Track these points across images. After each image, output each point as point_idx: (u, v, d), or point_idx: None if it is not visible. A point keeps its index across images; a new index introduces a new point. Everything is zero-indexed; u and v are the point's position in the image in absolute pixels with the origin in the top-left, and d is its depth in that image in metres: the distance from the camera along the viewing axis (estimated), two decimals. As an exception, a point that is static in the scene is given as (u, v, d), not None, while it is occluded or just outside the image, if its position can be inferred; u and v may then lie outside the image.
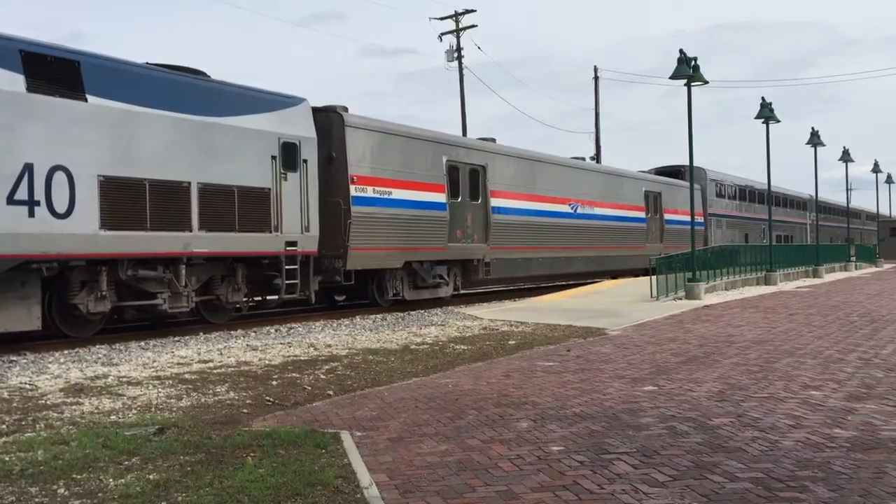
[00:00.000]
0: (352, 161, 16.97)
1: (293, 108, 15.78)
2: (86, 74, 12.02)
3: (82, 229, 11.77)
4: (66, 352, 11.47)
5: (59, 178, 11.50)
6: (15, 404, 7.69)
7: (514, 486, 4.90)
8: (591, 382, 8.48)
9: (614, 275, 29.08)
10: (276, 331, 14.40)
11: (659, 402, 7.33)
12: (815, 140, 35.15)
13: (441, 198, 19.57)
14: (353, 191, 16.92)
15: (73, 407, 7.53)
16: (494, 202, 21.54)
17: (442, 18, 39.60)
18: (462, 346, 11.85)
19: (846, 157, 42.87)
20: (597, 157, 42.20)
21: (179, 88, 13.60)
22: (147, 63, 13.63)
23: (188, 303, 13.77)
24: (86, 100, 11.96)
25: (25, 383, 8.90)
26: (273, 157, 14.95)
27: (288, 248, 15.24)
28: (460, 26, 39.14)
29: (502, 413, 6.97)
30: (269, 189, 14.86)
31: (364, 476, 5.12)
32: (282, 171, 15.12)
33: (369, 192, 17.38)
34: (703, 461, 5.36)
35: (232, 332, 14.16)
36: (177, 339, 13.14)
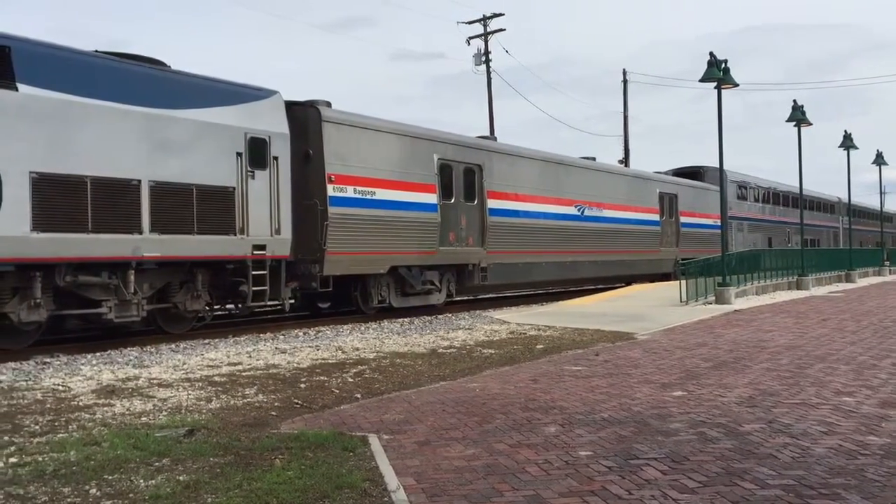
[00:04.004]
0: (329, 159, 15.89)
1: (263, 101, 14.64)
2: (17, 61, 11.02)
3: (10, 231, 10.79)
4: (98, 354, 11.61)
5: None
6: (48, 405, 7.80)
7: (542, 490, 4.88)
8: (619, 387, 8.43)
9: (627, 280, 28.33)
10: (304, 334, 14.46)
11: (688, 408, 7.27)
12: (847, 143, 34.71)
13: (432, 199, 18.42)
14: (331, 191, 15.84)
15: (105, 408, 7.62)
16: (492, 203, 20.33)
17: (470, 23, 39.62)
18: (489, 350, 11.83)
19: (879, 160, 42.25)
20: (625, 161, 41.98)
21: (129, 78, 12.55)
22: (96, 51, 12.73)
23: (138, 311, 12.69)
24: (16, 88, 10.96)
25: (58, 384, 9.02)
26: (238, 154, 13.89)
27: (255, 252, 14.14)
28: (488, 30, 39.16)
29: (530, 417, 6.95)
30: (234, 188, 13.79)
31: (391, 479, 5.12)
32: (248, 168, 14.04)
33: (349, 192, 16.29)
34: (734, 467, 5.30)
35: (261, 335, 14.25)
36: (206, 341, 13.25)
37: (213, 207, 13.46)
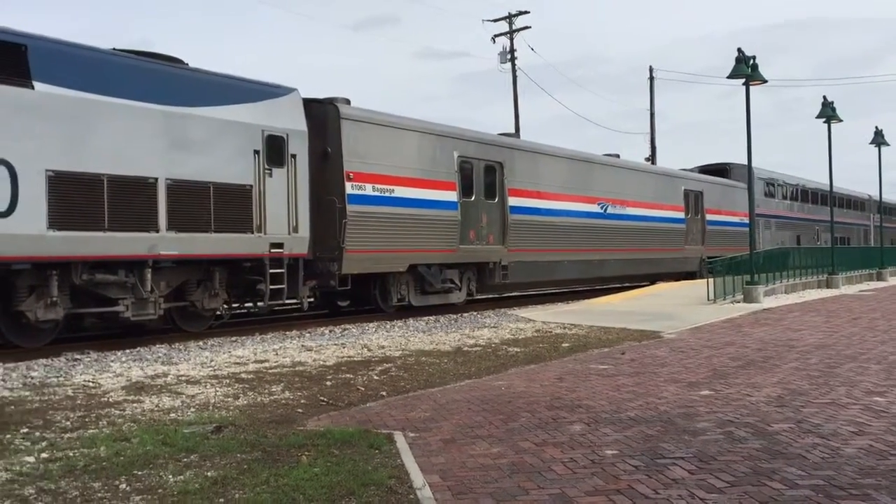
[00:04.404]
0: (348, 156, 15.75)
1: (280, 98, 14.54)
2: (33, 59, 10.99)
3: (26, 229, 10.74)
4: (127, 351, 11.75)
5: None
6: (79, 401, 7.91)
7: (568, 489, 4.87)
8: (645, 386, 8.38)
9: (652, 279, 27.98)
10: (329, 332, 14.53)
11: (716, 407, 7.21)
12: (878, 139, 34.21)
13: (452, 196, 18.22)
14: (350, 188, 15.68)
15: (134, 405, 7.71)
16: (513, 201, 20.06)
17: (495, 20, 39.55)
18: (515, 349, 11.82)
19: (912, 156, 41.60)
20: (652, 158, 41.72)
21: (146, 76, 12.50)
22: (113, 49, 12.71)
23: (155, 310, 12.62)
24: (32, 87, 10.94)
25: (89, 381, 9.14)
26: (256, 152, 13.80)
27: (273, 251, 14.05)
28: (513, 28, 39.08)
29: (555, 416, 6.94)
30: (251, 186, 13.71)
31: (417, 477, 5.14)
32: (266, 166, 13.94)
33: (368, 189, 16.12)
34: (762, 467, 5.25)
35: (287, 332, 14.34)
36: (234, 339, 13.36)
37: (230, 205, 13.38)
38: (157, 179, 12.32)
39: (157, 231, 12.29)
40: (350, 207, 15.67)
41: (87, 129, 11.50)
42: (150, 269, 12.41)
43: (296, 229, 14.51)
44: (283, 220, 14.30)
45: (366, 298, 17.48)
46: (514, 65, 38.94)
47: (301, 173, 14.68)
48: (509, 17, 39.07)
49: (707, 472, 5.16)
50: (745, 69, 20.44)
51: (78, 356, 11.15)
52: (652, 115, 42.95)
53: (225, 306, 14.33)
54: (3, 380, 9.23)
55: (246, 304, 14.94)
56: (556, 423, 6.64)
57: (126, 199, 11.91)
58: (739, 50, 20.47)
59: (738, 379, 8.74)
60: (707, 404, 7.35)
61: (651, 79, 42.85)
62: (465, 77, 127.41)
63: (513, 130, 38.00)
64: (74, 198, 11.34)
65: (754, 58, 20.62)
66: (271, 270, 14.08)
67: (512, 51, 38.98)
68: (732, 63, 20.53)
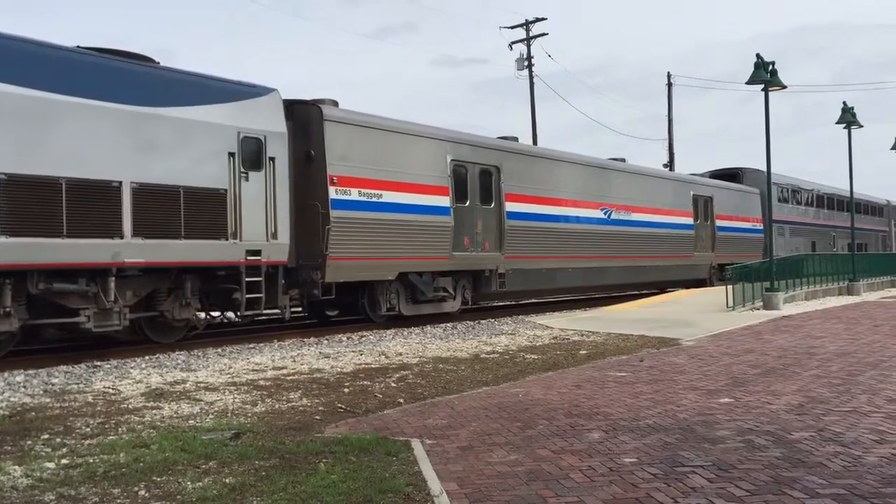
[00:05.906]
0: (331, 160, 15.17)
1: (258, 98, 13.94)
2: None
3: None
4: (147, 357, 11.84)
5: None
6: (99, 408, 7.97)
7: (586, 497, 4.85)
8: (664, 394, 8.34)
9: (660, 287, 27.40)
10: (347, 339, 14.56)
11: (735, 415, 7.16)
12: (899, 144, 33.87)
13: (444, 201, 17.60)
14: (333, 193, 15.09)
15: (154, 411, 7.76)
16: (510, 206, 19.40)
17: (512, 27, 39.65)
18: (532, 356, 11.80)
19: (934, 162, 41.16)
20: (670, 165, 41.56)
21: (111, 75, 11.95)
22: (77, 47, 12.13)
23: (120, 320, 11.98)
24: None
25: (109, 388, 9.21)
26: (231, 154, 13.18)
27: (249, 258, 13.40)
28: (531, 35, 39.12)
29: (573, 423, 6.91)
30: (226, 190, 13.10)
31: (435, 484, 5.13)
32: (242, 169, 13.32)
33: (353, 194, 15.54)
34: (783, 476, 5.20)
35: (305, 339, 14.38)
36: (252, 346, 13.42)
37: (203, 210, 12.81)
38: (121, 183, 11.72)
39: (122, 237, 11.70)
40: (334, 213, 15.08)
41: (44, 130, 10.93)
42: (113, 278, 11.81)
43: (275, 235, 13.91)
44: (261, 225, 13.69)
45: (354, 307, 16.98)
46: (531, 72, 38.99)
47: (280, 177, 14.09)
48: (526, 24, 39.14)
49: (726, 481, 5.12)
50: (764, 74, 20.34)
51: (98, 363, 11.24)
52: (670, 121, 42.81)
53: (202, 315, 13.79)
54: (25, 386, 9.33)
55: (227, 314, 14.38)
56: (573, 431, 6.61)
57: (87, 204, 11.35)
58: (758, 55, 20.38)
59: (758, 386, 8.68)
60: (727, 412, 7.30)
61: (669, 85, 42.72)
62: (483, 84, 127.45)
63: (531, 136, 38.02)
64: (29, 202, 10.74)
65: (773, 63, 20.51)
66: (248, 279, 13.47)
67: (529, 58, 39.04)
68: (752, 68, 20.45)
